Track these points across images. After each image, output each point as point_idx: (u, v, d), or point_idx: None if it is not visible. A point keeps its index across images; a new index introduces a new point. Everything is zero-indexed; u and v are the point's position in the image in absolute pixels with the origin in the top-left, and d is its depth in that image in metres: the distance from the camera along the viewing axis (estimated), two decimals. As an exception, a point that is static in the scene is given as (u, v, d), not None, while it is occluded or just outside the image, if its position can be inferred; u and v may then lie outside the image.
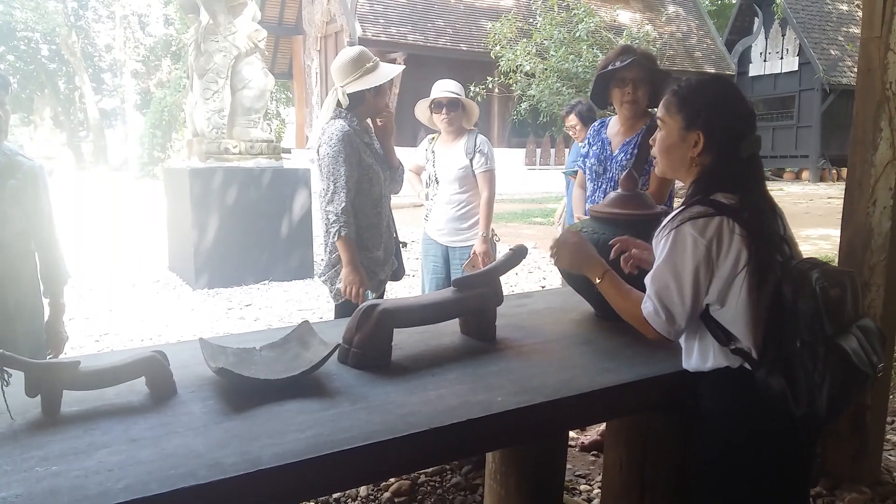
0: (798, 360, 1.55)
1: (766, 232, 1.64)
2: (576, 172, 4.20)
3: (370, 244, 3.04)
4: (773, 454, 1.65)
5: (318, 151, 2.94)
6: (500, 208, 10.05)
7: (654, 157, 1.80)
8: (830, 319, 1.55)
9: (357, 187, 2.93)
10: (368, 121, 3.08)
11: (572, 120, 4.80)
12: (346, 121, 2.92)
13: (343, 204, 2.87)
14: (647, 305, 1.65)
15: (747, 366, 1.62)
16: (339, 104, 2.96)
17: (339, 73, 2.96)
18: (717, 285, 1.60)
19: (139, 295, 6.64)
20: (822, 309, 1.54)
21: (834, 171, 21.19)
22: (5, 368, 1.45)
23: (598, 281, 1.81)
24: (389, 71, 3.04)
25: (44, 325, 2.49)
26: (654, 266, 1.65)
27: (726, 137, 1.65)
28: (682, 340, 1.75)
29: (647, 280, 1.67)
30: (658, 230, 1.69)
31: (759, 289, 1.59)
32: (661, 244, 1.65)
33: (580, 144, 4.54)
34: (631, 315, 1.72)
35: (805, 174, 21.67)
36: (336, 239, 2.91)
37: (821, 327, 1.54)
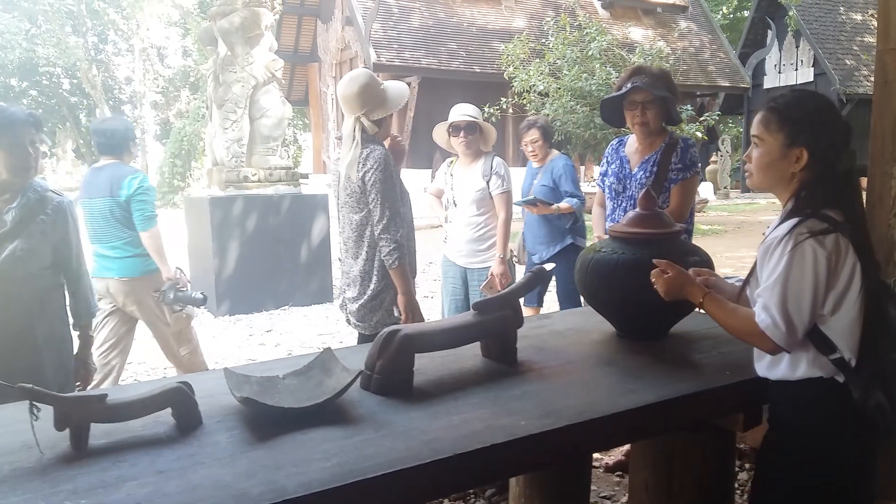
0: (893, 373, 1.61)
1: (870, 250, 1.70)
2: (530, 201, 4.19)
3: (414, 271, 3.04)
4: (850, 464, 1.69)
5: (363, 179, 2.84)
6: (516, 227, 10.07)
7: (748, 173, 1.81)
8: None
9: (403, 212, 2.93)
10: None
11: (533, 135, 4.43)
12: (381, 147, 2.88)
13: (400, 231, 2.84)
14: (765, 318, 1.65)
15: (839, 378, 1.65)
16: (363, 130, 2.88)
17: (357, 100, 2.87)
18: (833, 297, 1.64)
19: (162, 323, 6.69)
20: None
21: (854, 182, 20.98)
22: (34, 403, 1.47)
23: (701, 301, 1.82)
24: (403, 92, 3.02)
25: (72, 356, 2.53)
26: (772, 278, 1.65)
27: (828, 153, 1.69)
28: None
29: (763, 292, 1.67)
30: (767, 242, 1.70)
31: (866, 303, 1.64)
32: (776, 256, 1.66)
33: (535, 166, 4.52)
34: (744, 330, 1.72)
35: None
36: (396, 266, 2.84)
37: None
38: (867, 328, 1.64)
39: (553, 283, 4.32)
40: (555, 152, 4.50)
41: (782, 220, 1.72)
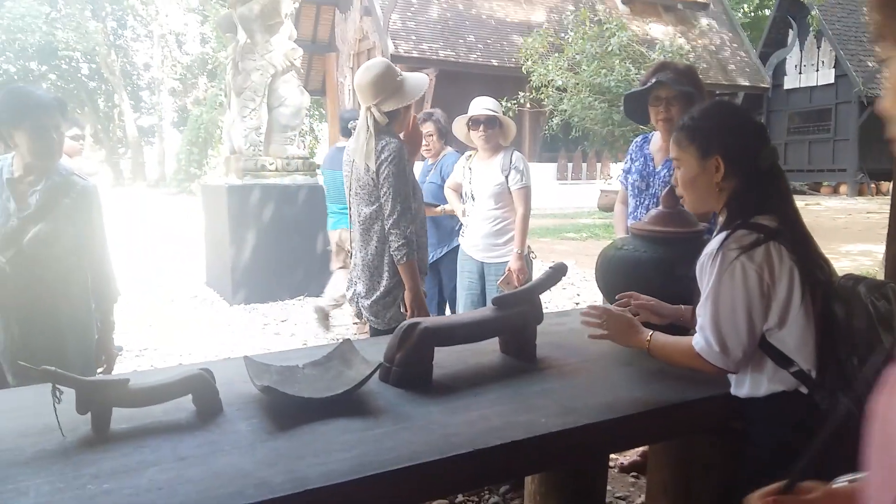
0: (859, 378, 1.53)
1: (811, 251, 1.63)
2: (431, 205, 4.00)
3: (423, 266, 3.00)
4: (826, 475, 1.62)
5: (377, 171, 2.79)
6: (532, 223, 10.04)
7: (681, 197, 1.80)
8: (885, 332, 1.54)
9: (414, 207, 2.88)
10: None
11: (428, 128, 4.24)
12: (396, 139, 2.83)
13: (410, 227, 2.80)
14: (699, 340, 1.63)
15: (802, 389, 1.59)
16: (376, 122, 2.83)
17: (370, 90, 2.81)
18: (776, 310, 1.59)
19: (177, 310, 6.74)
20: (877, 323, 1.53)
21: (873, 186, 20.77)
22: (57, 385, 1.48)
23: (647, 348, 1.78)
24: (421, 84, 2.94)
25: (94, 341, 2.54)
26: (704, 297, 1.63)
27: (744, 154, 1.66)
28: None
29: (698, 312, 1.65)
30: (702, 258, 1.67)
31: (813, 309, 1.58)
32: (707, 273, 1.63)
33: (430, 162, 4.42)
34: (687, 357, 1.69)
35: (843, 188, 21.27)
36: (404, 262, 2.80)
37: (879, 342, 1.53)
38: (821, 334, 1.58)
39: (431, 285, 4.19)
40: (449, 149, 4.43)
41: (717, 234, 1.68)
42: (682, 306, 2.01)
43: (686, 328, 1.96)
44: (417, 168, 4.45)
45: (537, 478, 2.19)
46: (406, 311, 2.89)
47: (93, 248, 2.47)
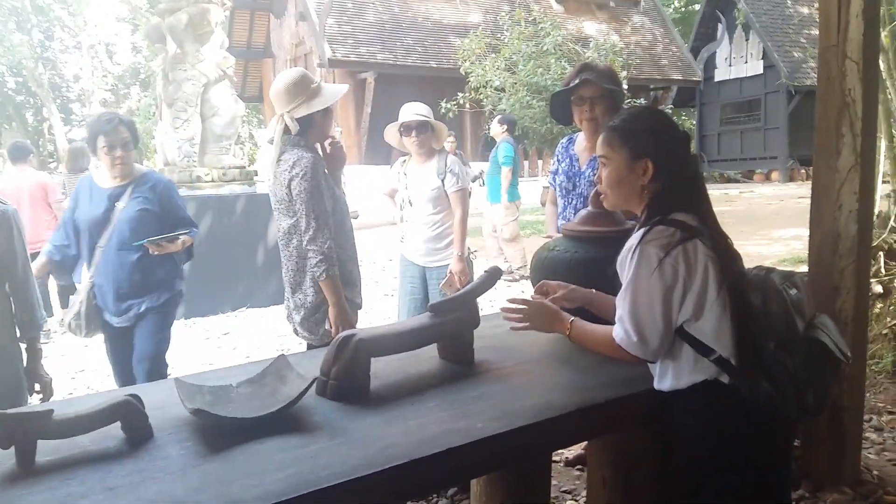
0: (776, 362, 1.60)
1: (726, 246, 1.71)
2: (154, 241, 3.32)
3: (354, 279, 2.98)
4: (756, 459, 1.69)
5: (289, 186, 2.75)
6: (478, 221, 10.09)
7: (602, 195, 1.86)
8: (798, 316, 1.62)
9: (334, 220, 2.83)
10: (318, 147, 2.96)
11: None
12: (308, 150, 2.79)
13: (328, 242, 2.75)
14: (618, 331, 1.69)
15: (723, 379, 1.65)
16: (286, 131, 2.80)
17: (283, 97, 2.78)
18: (692, 300, 1.65)
19: (115, 328, 6.54)
20: (791, 308, 1.62)
21: (803, 171, 21.49)
22: (-24, 421, 1.43)
23: (568, 333, 1.88)
24: (335, 91, 2.91)
25: (20, 371, 2.45)
26: (623, 289, 1.69)
27: (671, 159, 1.73)
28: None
29: (617, 304, 1.69)
30: (622, 253, 1.73)
31: (729, 300, 1.64)
32: (626, 266, 1.69)
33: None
34: (606, 346, 1.77)
35: (775, 175, 21.98)
36: (324, 279, 2.76)
37: (794, 326, 1.61)
38: (737, 323, 1.64)
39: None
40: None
41: (636, 231, 1.75)
42: (594, 291, 2.06)
43: (594, 314, 2.03)
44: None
45: (482, 478, 2.20)
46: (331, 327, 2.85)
47: (15, 274, 2.39)
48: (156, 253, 3.24)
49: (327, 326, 2.86)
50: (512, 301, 1.97)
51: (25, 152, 6.64)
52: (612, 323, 1.81)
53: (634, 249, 1.66)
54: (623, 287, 1.69)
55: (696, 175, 1.78)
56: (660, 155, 1.73)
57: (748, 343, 1.63)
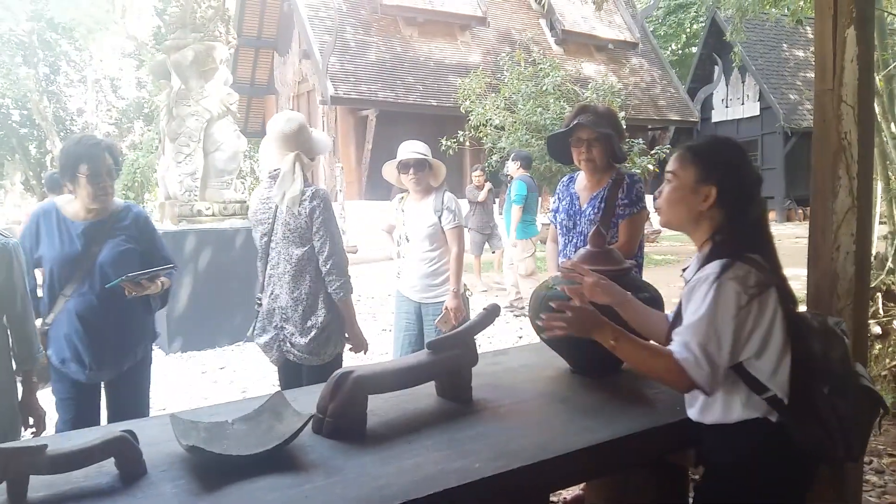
0: (828, 406, 1.65)
1: (790, 290, 1.75)
2: (130, 278, 2.93)
3: None
4: (789, 499, 1.72)
5: (310, 216, 2.95)
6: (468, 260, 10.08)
7: (658, 209, 1.85)
8: (855, 363, 1.71)
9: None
10: None
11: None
12: (321, 186, 3.01)
13: (346, 265, 3.03)
14: (688, 358, 1.63)
15: (771, 417, 1.67)
16: (303, 168, 3.03)
17: (297, 137, 3.04)
18: (758, 340, 1.66)
19: (111, 362, 6.50)
20: (849, 355, 1.70)
21: (800, 211, 21.62)
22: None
23: (612, 343, 1.76)
24: (327, 140, 3.29)
25: (15, 403, 2.44)
26: (695, 317, 1.65)
27: (740, 195, 1.74)
28: (695, 393, 1.74)
29: (684, 331, 1.66)
30: (694, 282, 1.71)
31: (791, 343, 1.69)
32: (699, 296, 1.67)
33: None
34: (662, 368, 1.69)
35: (772, 215, 22.08)
36: (345, 299, 3.02)
37: (850, 371, 1.69)
38: (795, 365, 1.67)
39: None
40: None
41: (703, 263, 1.75)
42: (629, 294, 2.03)
43: (622, 319, 1.96)
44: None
45: (479, 521, 2.17)
46: (348, 344, 3.14)
47: (13, 307, 2.38)
48: (133, 295, 2.79)
49: (331, 347, 3.05)
50: (557, 305, 1.83)
51: (60, 183, 6.71)
52: (633, 331, 1.83)
53: (713, 280, 1.65)
54: (693, 313, 1.66)
55: (764, 217, 1.80)
56: (725, 184, 1.73)
57: (805, 385, 1.67)
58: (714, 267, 1.68)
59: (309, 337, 3.00)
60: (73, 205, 2.87)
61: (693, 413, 1.79)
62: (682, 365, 1.63)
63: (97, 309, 2.81)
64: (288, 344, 3.04)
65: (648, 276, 3.04)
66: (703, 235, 1.78)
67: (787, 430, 1.66)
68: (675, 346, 1.66)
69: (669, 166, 1.82)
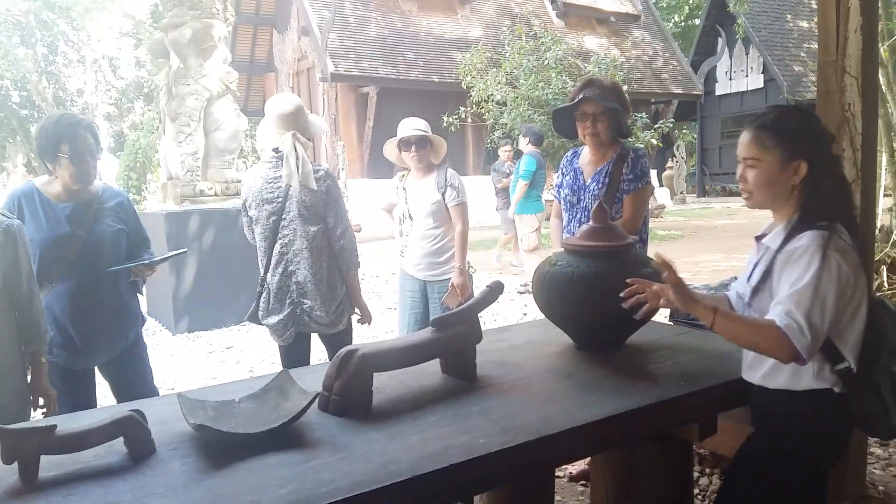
0: (886, 379, 1.71)
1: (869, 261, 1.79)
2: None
3: None
4: (821, 474, 1.81)
5: (326, 193, 3.11)
6: (478, 236, 10.06)
7: (746, 194, 1.82)
8: None
9: None
10: None
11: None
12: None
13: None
14: (791, 324, 1.62)
15: (836, 388, 1.71)
16: (303, 146, 3.13)
17: (296, 117, 3.14)
18: (850, 311, 1.69)
19: (117, 342, 6.55)
20: None
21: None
22: (-20, 436, 1.43)
23: (711, 321, 1.74)
24: (322, 124, 3.44)
25: (25, 384, 2.45)
26: (798, 286, 1.65)
27: (826, 161, 1.74)
28: (760, 357, 1.78)
29: (786, 300, 1.65)
30: (790, 251, 1.70)
31: (867, 317, 1.72)
32: (800, 266, 1.67)
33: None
34: (765, 338, 1.67)
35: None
36: (359, 266, 3.26)
37: None
38: (868, 339, 1.71)
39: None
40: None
41: (790, 231, 1.74)
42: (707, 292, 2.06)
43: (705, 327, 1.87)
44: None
45: (485, 494, 2.19)
46: (357, 314, 3.37)
47: (19, 288, 2.39)
48: (135, 278, 2.87)
49: (346, 316, 3.28)
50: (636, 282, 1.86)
51: None
52: None
53: (815, 251, 1.65)
54: (796, 285, 1.65)
55: (843, 179, 1.81)
56: (815, 156, 1.72)
57: (873, 359, 1.71)
58: (813, 238, 1.68)
59: (331, 309, 3.19)
60: (53, 185, 2.79)
61: (754, 377, 1.82)
62: (785, 332, 1.62)
63: (89, 291, 2.78)
64: (306, 317, 3.19)
65: (652, 251, 3.04)
66: (792, 206, 1.78)
67: (849, 401, 1.70)
68: (776, 315, 1.65)
69: (746, 152, 1.78)
